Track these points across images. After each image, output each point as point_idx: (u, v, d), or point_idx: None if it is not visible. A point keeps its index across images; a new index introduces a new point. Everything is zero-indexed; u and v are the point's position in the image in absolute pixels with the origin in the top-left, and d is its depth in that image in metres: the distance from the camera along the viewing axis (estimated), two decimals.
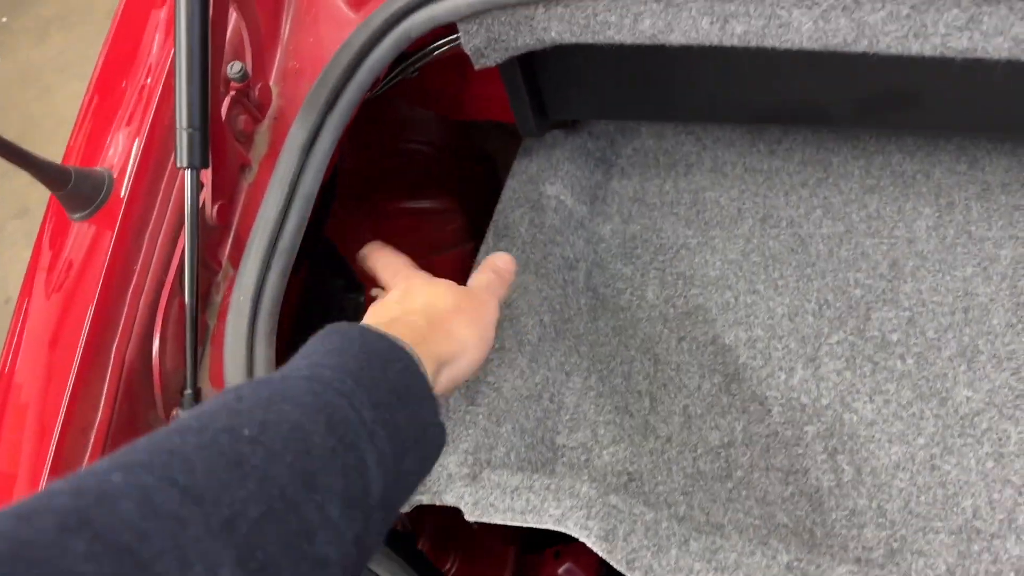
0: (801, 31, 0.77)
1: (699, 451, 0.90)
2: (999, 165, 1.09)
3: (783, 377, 0.94)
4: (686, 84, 1.01)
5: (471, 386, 0.92)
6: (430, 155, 1.57)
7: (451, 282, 0.75)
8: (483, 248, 1.09)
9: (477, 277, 0.81)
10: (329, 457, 0.48)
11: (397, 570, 0.79)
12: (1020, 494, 0.80)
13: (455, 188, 1.62)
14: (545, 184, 1.17)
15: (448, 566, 1.27)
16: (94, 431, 0.73)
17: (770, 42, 0.80)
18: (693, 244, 1.12)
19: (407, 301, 0.72)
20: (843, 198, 1.11)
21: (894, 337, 0.95)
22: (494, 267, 0.83)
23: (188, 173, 0.74)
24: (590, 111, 1.11)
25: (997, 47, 0.73)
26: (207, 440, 0.44)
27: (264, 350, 0.75)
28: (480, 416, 0.88)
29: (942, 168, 1.11)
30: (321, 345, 0.58)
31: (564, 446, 0.94)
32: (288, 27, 0.97)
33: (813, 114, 1.01)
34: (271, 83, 0.94)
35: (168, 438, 0.44)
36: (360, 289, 1.64)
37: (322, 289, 1.51)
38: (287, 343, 1.31)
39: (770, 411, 0.91)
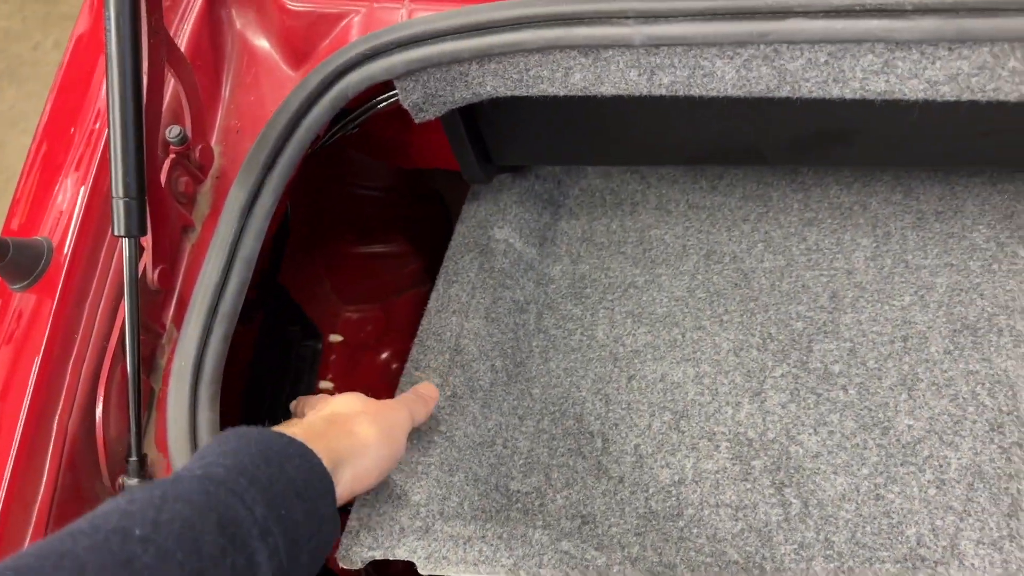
0: (725, 80, 0.80)
1: (651, 490, 0.91)
2: (932, 194, 1.13)
3: (730, 412, 0.96)
4: (624, 129, 1.04)
5: (423, 436, 0.92)
6: (381, 200, 1.58)
7: (361, 394, 0.77)
8: (434, 295, 1.10)
9: (397, 396, 0.83)
10: (219, 556, 0.49)
11: None
12: (961, 520, 0.82)
13: (408, 231, 1.64)
14: (494, 228, 1.18)
15: None
16: (37, 504, 0.72)
17: (696, 91, 0.82)
18: (640, 282, 1.14)
19: (313, 413, 0.73)
20: (783, 232, 1.14)
21: (836, 368, 0.97)
22: (416, 390, 0.86)
23: (126, 241, 0.74)
24: (533, 157, 1.13)
25: (913, 89, 0.77)
26: (98, 541, 0.44)
27: (207, 414, 0.75)
28: (432, 467, 0.89)
29: (878, 199, 1.15)
30: (218, 446, 0.59)
31: (518, 491, 0.94)
32: (228, 88, 0.98)
33: (747, 155, 1.04)
34: (212, 143, 0.95)
35: (60, 541, 0.44)
36: (318, 336, 1.65)
37: (278, 336, 1.51)
38: (243, 392, 1.31)
39: (718, 447, 0.93)
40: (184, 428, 0.74)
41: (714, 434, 0.94)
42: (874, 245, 1.09)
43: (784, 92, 0.80)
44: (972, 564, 0.78)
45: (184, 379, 0.75)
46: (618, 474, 0.93)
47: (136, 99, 0.72)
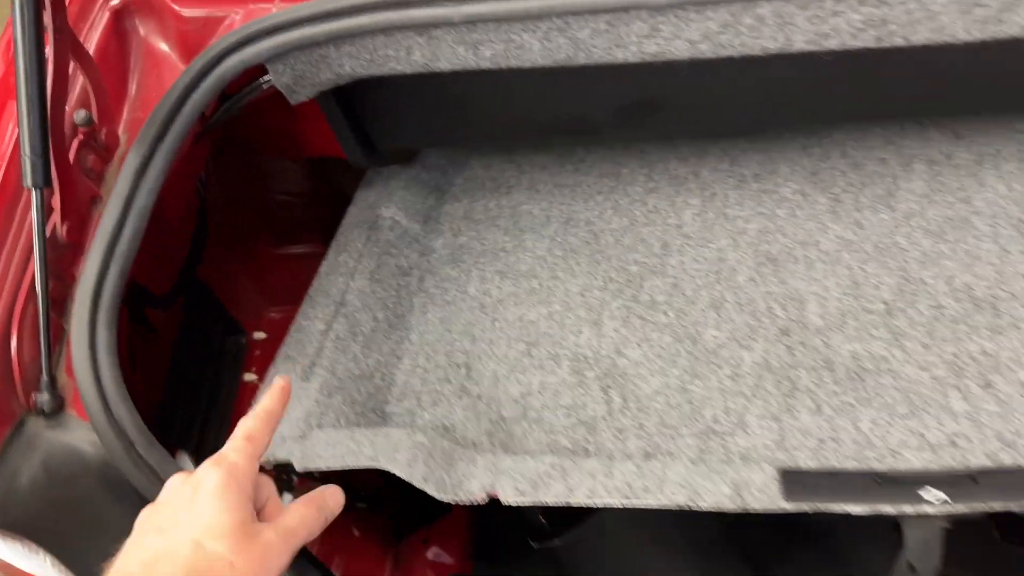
0: (533, 50, 0.98)
1: (502, 402, 1.06)
2: (753, 161, 1.32)
3: (572, 338, 1.12)
4: (480, 108, 1.21)
5: (307, 369, 1.07)
6: (297, 203, 1.74)
7: (235, 517, 0.58)
8: (324, 262, 1.26)
9: (294, 510, 0.63)
10: None
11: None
12: (749, 401, 0.98)
13: (325, 232, 1.79)
14: (381, 208, 1.35)
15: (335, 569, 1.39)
16: None
17: (513, 62, 1.00)
18: (509, 247, 1.31)
19: (136, 552, 0.58)
20: (629, 199, 1.32)
21: (660, 299, 1.14)
22: (320, 502, 0.65)
23: (34, 192, 0.89)
24: (407, 138, 1.30)
25: (679, 49, 0.95)
26: None
27: (104, 333, 0.90)
28: (312, 391, 1.04)
29: (708, 168, 1.33)
30: None
31: (392, 413, 1.09)
32: (135, 85, 1.15)
33: (585, 126, 1.22)
34: (120, 131, 1.11)
35: None
36: (241, 331, 1.79)
37: (202, 330, 1.64)
38: (168, 371, 1.44)
39: (560, 364, 1.09)
40: (84, 344, 0.88)
41: (558, 356, 1.10)
42: (701, 204, 1.27)
43: (581, 59, 0.98)
44: (754, 432, 0.94)
45: (84, 304, 0.90)
46: (477, 392, 1.09)
47: (39, 77, 0.88)
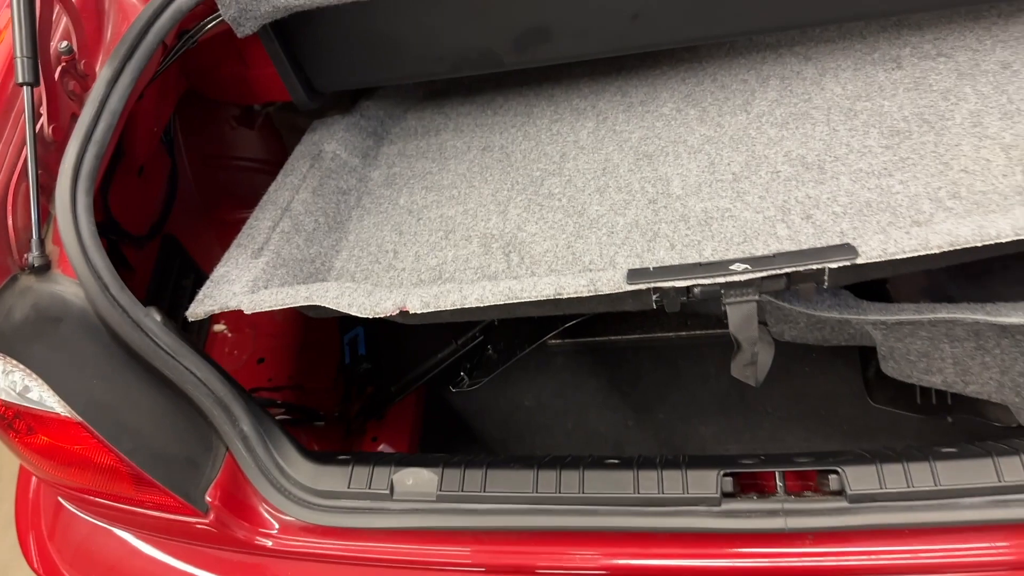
0: None
1: (422, 271, 1.26)
2: (640, 91, 1.55)
3: (483, 224, 1.33)
4: (397, 45, 1.44)
5: (256, 252, 1.27)
6: (255, 170, 1.96)
7: None
8: (272, 185, 1.47)
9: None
10: None
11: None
12: (619, 247, 1.18)
13: None
14: (324, 144, 1.57)
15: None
16: None
17: None
18: (435, 170, 1.52)
19: None
20: (536, 128, 1.55)
21: (556, 191, 1.35)
22: None
23: (26, 89, 1.10)
24: (340, 76, 1.52)
25: None
26: None
27: (84, 198, 1.09)
28: (260, 264, 1.24)
29: (604, 100, 1.56)
30: None
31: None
32: (110, 32, 1.37)
33: (489, 58, 1.45)
34: (97, 68, 1.32)
35: None
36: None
37: (173, 280, 1.83)
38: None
39: (471, 241, 1.29)
40: (67, 205, 1.08)
41: (469, 236, 1.31)
42: (595, 124, 1.50)
43: None
44: (621, 266, 1.15)
45: (66, 177, 1.10)
46: (401, 267, 1.29)
47: (30, 5, 1.10)
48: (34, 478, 1.52)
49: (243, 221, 2.03)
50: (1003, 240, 0.90)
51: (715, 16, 1.33)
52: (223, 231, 1.96)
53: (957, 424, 1.45)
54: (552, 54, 1.44)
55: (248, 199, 1.98)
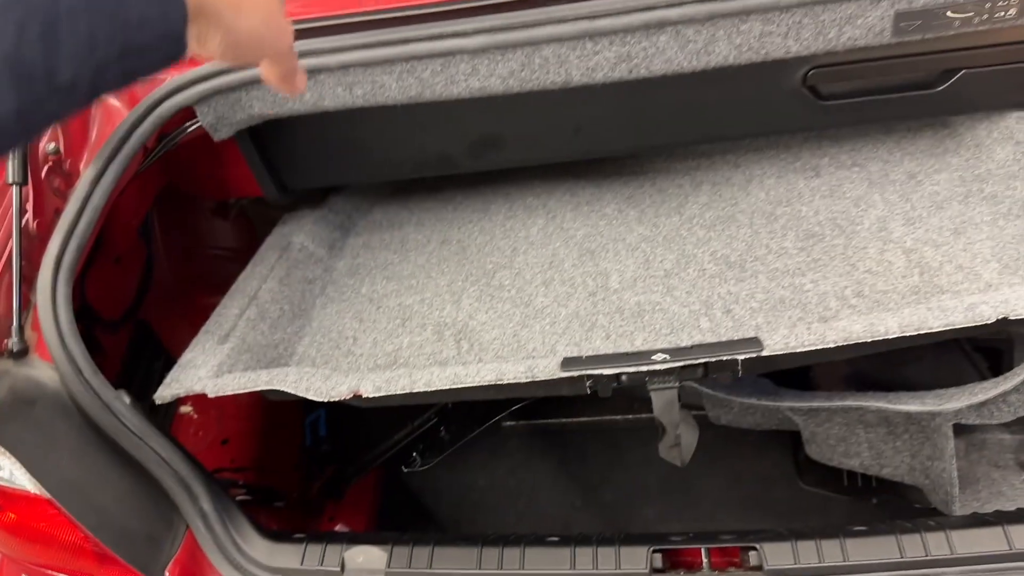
0: (392, 89, 1.34)
1: (378, 357, 1.36)
2: (587, 192, 1.69)
3: (437, 313, 1.43)
4: (361, 149, 1.57)
5: (222, 338, 1.36)
6: (228, 258, 2.05)
7: None
8: (240, 274, 1.57)
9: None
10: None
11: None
12: (560, 336, 1.29)
13: None
14: (293, 236, 1.68)
15: None
16: None
17: (379, 99, 1.36)
18: (396, 260, 1.63)
19: None
20: (492, 224, 1.67)
21: (507, 283, 1.47)
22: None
23: (15, 188, 1.20)
24: (309, 179, 1.64)
25: (494, 84, 1.32)
26: None
27: (63, 288, 1.18)
28: (226, 349, 1.32)
29: (554, 199, 1.70)
30: None
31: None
32: (95, 133, 1.49)
33: (447, 162, 1.58)
34: (81, 166, 1.43)
35: None
36: None
37: (142, 365, 1.90)
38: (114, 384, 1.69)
39: (425, 328, 1.39)
40: (48, 297, 1.17)
41: (424, 324, 1.41)
42: (545, 222, 1.62)
43: (427, 96, 1.35)
44: (561, 353, 1.25)
45: (47, 268, 1.19)
46: (359, 353, 1.38)
47: None
48: None
49: (214, 306, 2.13)
50: (891, 336, 1.02)
51: (647, 131, 1.48)
52: (195, 316, 2.03)
53: (881, 505, 1.54)
54: (503, 160, 1.57)
55: (220, 286, 2.08)
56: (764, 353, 1.02)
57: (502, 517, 1.69)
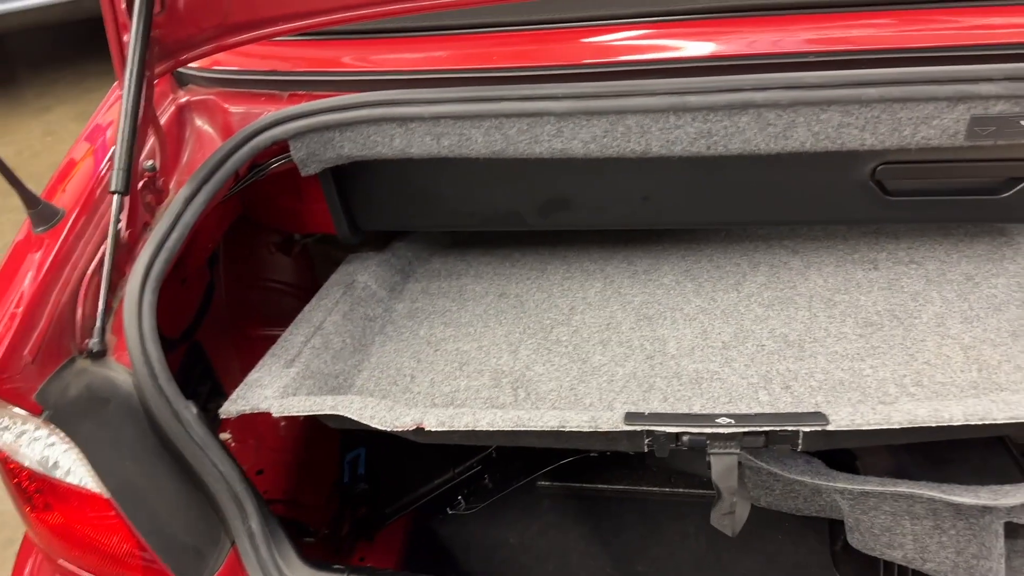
0: (478, 142, 1.41)
1: (436, 397, 1.38)
2: (645, 262, 1.73)
3: (494, 360, 1.46)
4: (437, 200, 1.63)
5: (288, 363, 1.40)
6: (286, 292, 2.11)
7: None
8: (306, 306, 1.61)
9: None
10: None
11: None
12: (617, 395, 1.31)
13: None
14: (358, 275, 1.73)
15: None
16: (32, 339, 1.17)
17: (463, 152, 1.43)
18: (454, 308, 1.67)
19: None
20: (549, 283, 1.71)
21: (564, 339, 1.50)
22: None
23: (116, 196, 1.26)
24: (382, 220, 1.70)
25: (576, 147, 1.38)
26: None
27: (150, 296, 1.23)
28: (291, 373, 1.36)
29: (611, 266, 1.74)
30: None
31: None
32: (187, 156, 1.56)
33: (516, 218, 1.63)
34: (171, 185, 1.50)
35: None
36: (223, 395, 2.09)
37: (190, 386, 1.94)
38: None
39: (483, 375, 1.42)
40: (135, 302, 1.21)
41: (481, 370, 1.44)
42: (603, 286, 1.67)
43: (510, 152, 1.41)
44: (619, 408, 1.26)
45: (137, 276, 1.24)
46: (416, 391, 1.41)
47: (134, 122, 1.28)
48: (30, 562, 1.56)
49: (263, 337, 2.17)
50: (954, 423, 1.04)
51: (714, 206, 1.53)
52: (245, 345, 2.08)
53: None
54: (570, 221, 1.62)
55: (273, 319, 2.13)
56: (829, 428, 1.04)
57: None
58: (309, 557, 1.68)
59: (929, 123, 1.27)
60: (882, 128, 1.28)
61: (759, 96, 1.25)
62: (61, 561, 1.37)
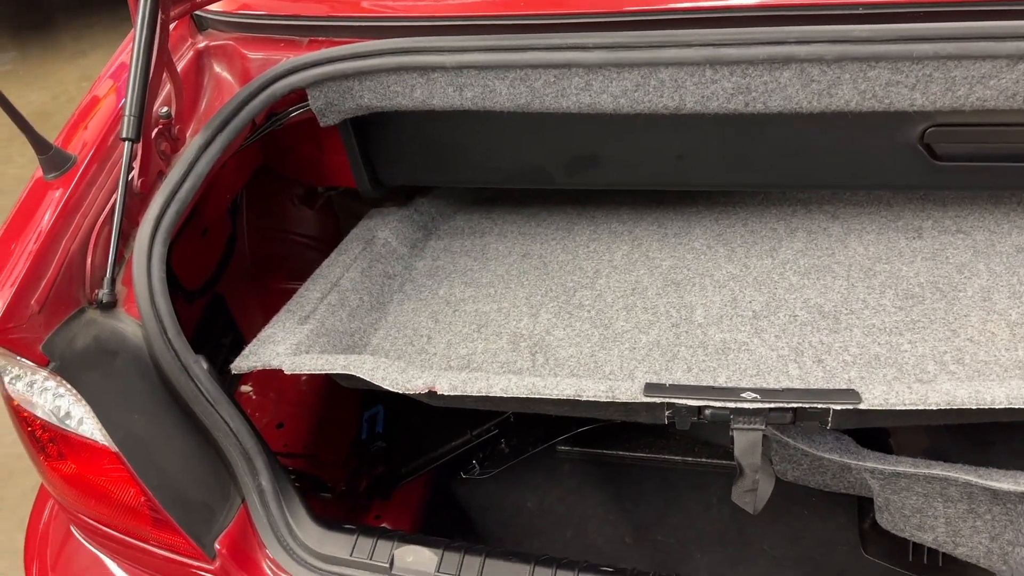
0: (502, 95, 1.34)
1: (451, 359, 1.34)
2: (675, 224, 1.66)
3: (514, 323, 1.41)
4: (459, 154, 1.57)
5: (303, 319, 1.36)
6: (309, 246, 2.07)
7: None
8: (325, 261, 1.57)
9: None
10: None
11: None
12: (638, 364, 1.26)
13: None
14: (378, 231, 1.68)
15: None
16: (41, 287, 1.14)
17: (487, 103, 1.36)
18: (476, 268, 1.63)
19: None
20: (575, 244, 1.65)
21: (587, 303, 1.44)
22: None
23: (127, 144, 1.23)
24: (405, 176, 1.65)
25: (605, 102, 1.31)
26: None
27: (160, 247, 1.20)
28: (305, 331, 1.32)
29: (641, 228, 1.67)
30: None
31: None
32: (204, 103, 1.51)
33: (542, 175, 1.57)
34: (188, 134, 1.46)
35: None
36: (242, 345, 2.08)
37: (212, 337, 1.93)
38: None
39: (501, 337, 1.38)
40: (144, 256, 1.18)
41: (500, 333, 1.40)
42: (630, 248, 1.60)
43: (536, 105, 1.34)
44: (640, 378, 1.22)
45: (147, 226, 1.21)
46: (432, 352, 1.37)
47: (146, 66, 1.24)
48: (46, 510, 1.57)
49: (287, 291, 2.14)
50: (997, 407, 0.97)
51: (751, 167, 1.45)
52: (267, 298, 2.05)
53: None
54: (600, 180, 1.55)
55: (295, 272, 2.10)
56: (861, 407, 0.98)
57: (549, 542, 1.65)
58: (324, 514, 1.67)
59: (986, 83, 1.17)
60: (934, 87, 1.19)
61: (802, 50, 1.17)
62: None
